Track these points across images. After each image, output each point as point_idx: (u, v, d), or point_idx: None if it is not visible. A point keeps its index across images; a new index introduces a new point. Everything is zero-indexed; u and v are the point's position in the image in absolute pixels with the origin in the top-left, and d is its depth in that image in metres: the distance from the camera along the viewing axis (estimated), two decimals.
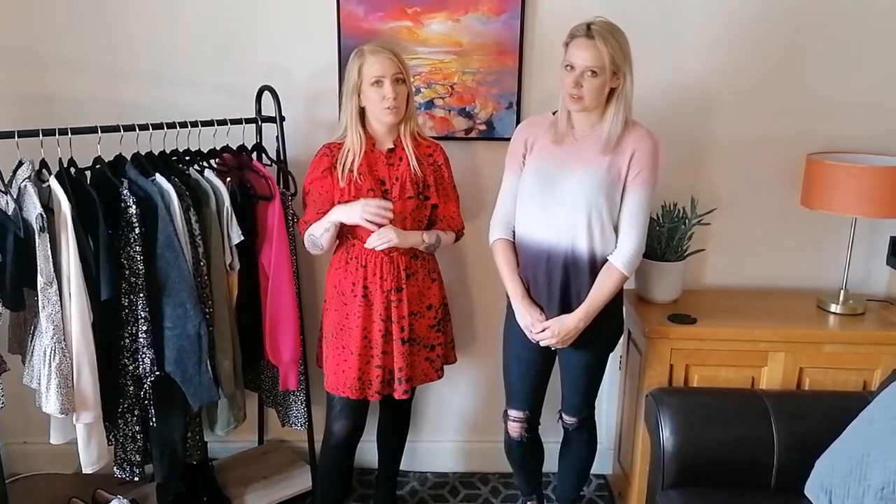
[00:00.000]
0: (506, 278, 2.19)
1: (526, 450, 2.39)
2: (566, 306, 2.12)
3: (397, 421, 2.54)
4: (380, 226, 2.12)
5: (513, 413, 2.32)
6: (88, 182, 2.11)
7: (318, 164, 2.20)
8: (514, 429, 2.32)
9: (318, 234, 2.18)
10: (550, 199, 2.09)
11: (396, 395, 2.26)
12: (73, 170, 2.09)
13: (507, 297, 2.26)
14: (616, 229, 2.10)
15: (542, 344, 2.16)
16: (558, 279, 2.10)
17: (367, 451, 2.64)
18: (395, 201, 2.16)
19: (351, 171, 2.14)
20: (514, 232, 2.20)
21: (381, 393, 2.24)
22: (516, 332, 2.21)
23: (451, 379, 2.67)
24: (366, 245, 2.15)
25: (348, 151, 2.16)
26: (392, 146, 2.20)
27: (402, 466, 2.67)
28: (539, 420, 2.36)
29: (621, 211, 2.09)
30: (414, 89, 2.48)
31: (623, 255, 2.08)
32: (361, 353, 2.21)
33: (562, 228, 2.08)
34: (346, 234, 2.22)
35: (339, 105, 2.47)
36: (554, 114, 2.14)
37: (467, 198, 2.47)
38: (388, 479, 2.64)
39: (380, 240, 2.13)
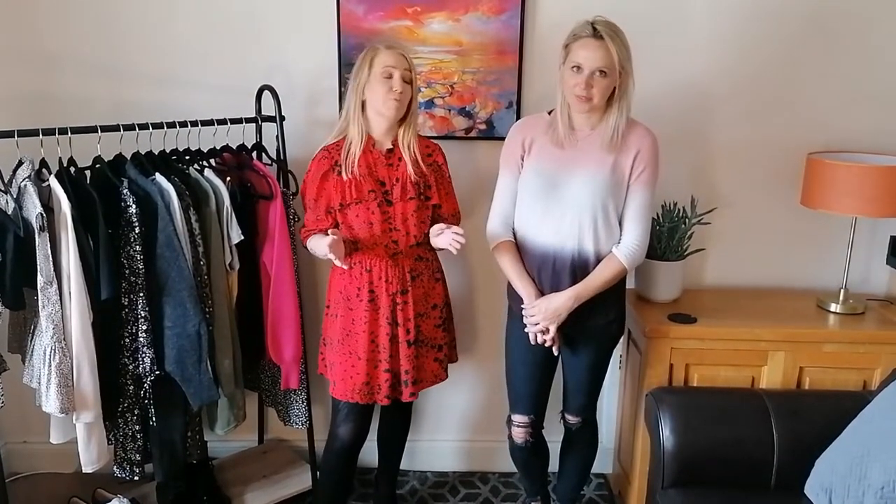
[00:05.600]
0: (515, 280, 2.15)
1: (530, 453, 2.38)
2: (575, 309, 2.10)
3: (399, 421, 2.54)
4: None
5: (517, 418, 2.30)
6: (88, 181, 2.11)
7: (319, 167, 2.18)
8: (519, 434, 2.31)
9: (320, 254, 2.14)
10: (554, 202, 2.08)
11: (403, 398, 2.25)
12: (72, 169, 2.09)
13: (509, 301, 2.26)
14: (621, 227, 2.10)
15: (530, 331, 2.12)
16: (566, 283, 2.09)
17: (367, 450, 2.62)
18: (395, 203, 2.16)
19: (350, 170, 2.13)
20: (514, 233, 2.19)
21: (389, 397, 2.23)
22: (518, 336, 2.20)
23: (451, 378, 2.66)
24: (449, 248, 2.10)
25: (350, 144, 2.15)
26: (391, 146, 2.20)
27: (403, 465, 2.68)
28: (543, 423, 2.35)
29: (626, 208, 2.09)
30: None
31: (626, 248, 2.08)
32: (369, 357, 2.20)
33: (567, 231, 2.07)
34: (348, 242, 2.19)
35: (340, 105, 2.48)
36: (549, 113, 2.14)
37: (467, 197, 2.47)
38: (388, 478, 2.64)
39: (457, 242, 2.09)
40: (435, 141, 2.33)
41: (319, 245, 2.10)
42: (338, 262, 2.06)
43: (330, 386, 2.28)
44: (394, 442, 2.58)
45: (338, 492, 2.46)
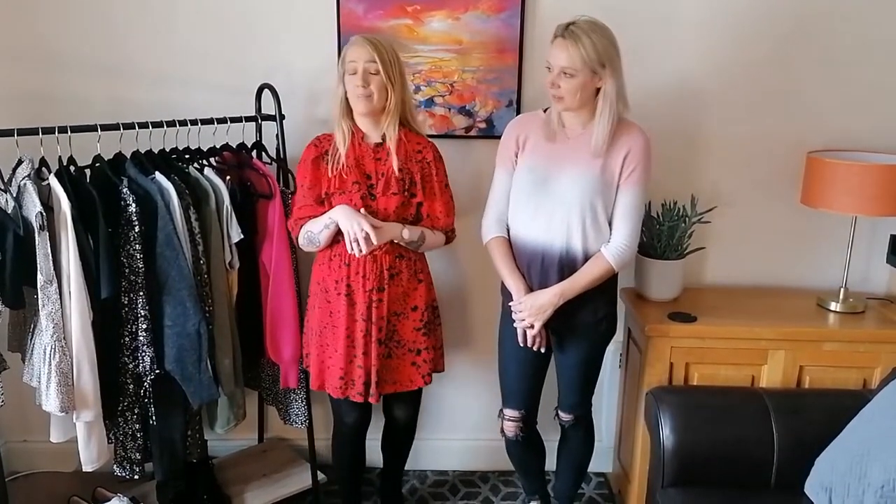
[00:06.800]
0: (506, 276, 2.17)
1: (523, 449, 2.39)
2: (562, 306, 2.11)
3: (402, 434, 2.51)
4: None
5: (509, 412, 2.31)
6: (88, 180, 2.11)
7: (306, 155, 2.20)
8: (510, 428, 2.32)
9: (316, 231, 2.14)
10: (544, 199, 2.08)
11: (372, 401, 2.21)
12: (72, 168, 2.09)
13: (503, 298, 2.26)
14: (611, 226, 2.10)
15: (519, 327, 2.14)
16: (554, 280, 2.10)
17: (370, 449, 2.63)
18: (378, 197, 2.15)
19: (337, 162, 2.14)
20: (508, 229, 2.20)
21: (362, 395, 2.20)
22: (511, 333, 2.20)
23: (451, 378, 2.68)
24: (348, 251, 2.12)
25: (335, 143, 2.16)
26: (380, 141, 2.18)
27: None
28: (536, 419, 2.36)
29: (615, 208, 2.10)
30: (412, 87, 2.48)
31: (614, 247, 2.08)
32: (345, 352, 2.18)
33: (556, 229, 2.08)
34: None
35: None
36: (545, 111, 2.15)
37: (465, 196, 2.46)
38: (391, 479, 2.63)
39: (351, 247, 2.09)
40: (432, 139, 2.30)
41: (334, 216, 2.09)
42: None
43: (310, 377, 2.29)
44: (397, 451, 2.56)
45: (351, 477, 2.48)
